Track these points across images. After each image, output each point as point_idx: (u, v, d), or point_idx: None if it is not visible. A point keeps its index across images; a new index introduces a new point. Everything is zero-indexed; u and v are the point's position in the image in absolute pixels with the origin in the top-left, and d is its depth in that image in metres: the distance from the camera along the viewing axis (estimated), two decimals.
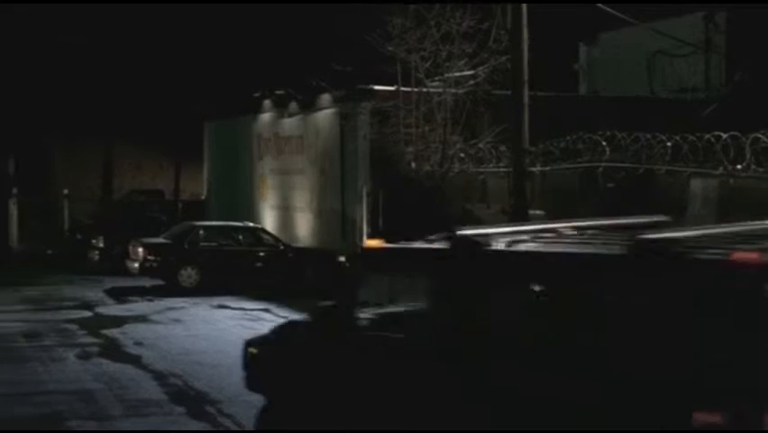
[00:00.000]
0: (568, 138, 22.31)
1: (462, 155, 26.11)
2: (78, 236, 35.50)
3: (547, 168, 22.96)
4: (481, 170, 25.47)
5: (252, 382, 10.64)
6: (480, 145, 25.68)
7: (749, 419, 6.26)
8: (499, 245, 8.36)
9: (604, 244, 8.07)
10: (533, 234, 8.74)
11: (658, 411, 6.75)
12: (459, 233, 8.59)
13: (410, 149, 26.92)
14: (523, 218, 18.92)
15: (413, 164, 26.82)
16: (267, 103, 34.61)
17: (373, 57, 26.18)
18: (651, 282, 7.15)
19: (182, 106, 39.58)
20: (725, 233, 7.86)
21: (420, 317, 8.89)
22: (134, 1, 40.95)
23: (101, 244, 32.67)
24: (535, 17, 20.40)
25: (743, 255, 6.71)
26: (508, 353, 7.84)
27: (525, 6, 19.91)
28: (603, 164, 21.26)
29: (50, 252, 36.93)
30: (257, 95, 35.04)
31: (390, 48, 26.12)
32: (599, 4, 25.89)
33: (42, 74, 41.04)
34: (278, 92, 33.73)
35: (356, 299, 9.53)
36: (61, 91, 41.27)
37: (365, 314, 9.52)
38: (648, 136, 20.54)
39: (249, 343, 10.76)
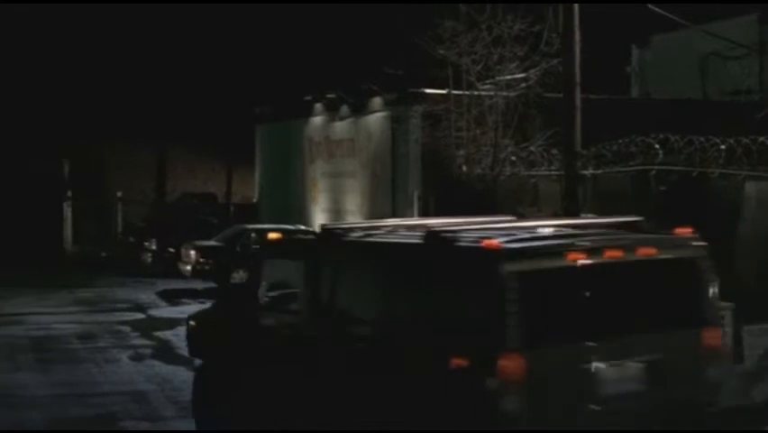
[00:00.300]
0: (620, 141, 22.13)
1: (514, 158, 25.98)
2: (131, 239, 35.81)
3: (599, 171, 22.77)
4: (533, 173, 25.29)
5: (191, 349, 12.80)
6: (532, 148, 25.53)
7: (486, 363, 8.30)
8: (355, 237, 10.41)
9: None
10: (390, 229, 10.74)
11: (430, 358, 8.83)
12: (325, 226, 10.98)
13: (461, 152, 26.83)
14: None
15: (464, 168, 26.72)
16: (318, 106, 34.71)
17: (424, 60, 26.14)
18: (435, 262, 9.17)
19: (234, 110, 39.81)
20: (507, 227, 9.72)
21: (305, 293, 10.80)
22: (188, 2, 41.26)
23: (154, 247, 32.91)
24: (587, 19, 20.24)
25: (489, 242, 8.64)
26: (348, 313, 10.12)
27: (576, 7, 19.78)
28: (656, 167, 21.05)
29: (103, 254, 37.29)
30: (308, 98, 35.15)
31: (442, 51, 26.02)
32: (651, 6, 25.68)
33: (97, 78, 41.50)
34: (329, 95, 33.82)
35: (259, 281, 11.41)
36: (115, 95, 41.71)
37: (269, 292, 11.43)
38: (702, 139, 20.32)
39: (188, 317, 13.12)
